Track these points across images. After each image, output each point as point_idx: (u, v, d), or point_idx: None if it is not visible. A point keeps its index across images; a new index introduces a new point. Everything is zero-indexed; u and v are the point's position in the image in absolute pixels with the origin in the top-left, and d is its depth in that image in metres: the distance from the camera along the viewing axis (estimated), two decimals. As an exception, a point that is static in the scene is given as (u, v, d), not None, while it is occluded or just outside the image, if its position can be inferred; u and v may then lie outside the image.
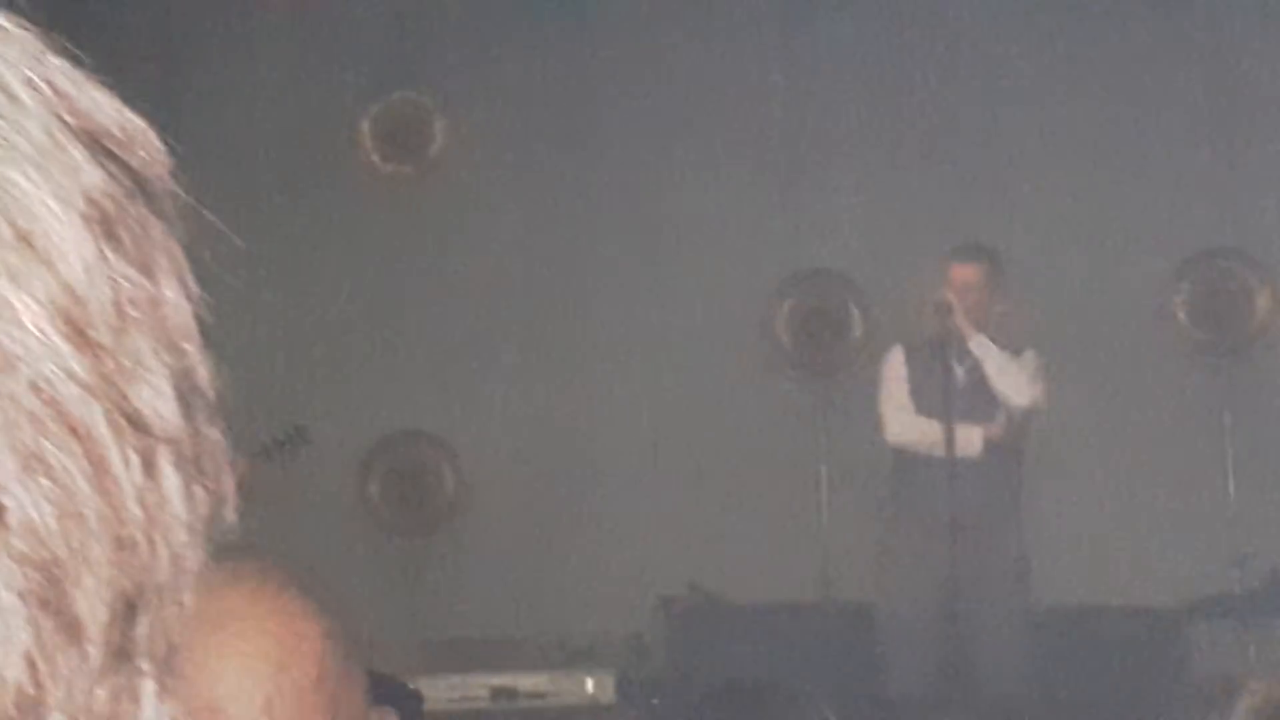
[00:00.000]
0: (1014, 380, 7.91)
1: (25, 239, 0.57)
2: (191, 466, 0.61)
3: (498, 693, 8.58)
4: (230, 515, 0.63)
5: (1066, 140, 9.71)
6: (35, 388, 0.57)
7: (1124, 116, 9.68)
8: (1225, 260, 9.79)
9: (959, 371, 7.93)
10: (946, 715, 7.69)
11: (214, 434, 0.62)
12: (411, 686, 4.33)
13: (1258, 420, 9.51)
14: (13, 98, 0.59)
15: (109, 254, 0.59)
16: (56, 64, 0.61)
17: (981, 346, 7.91)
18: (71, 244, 0.59)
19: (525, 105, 10.03)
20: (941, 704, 7.72)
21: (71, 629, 0.57)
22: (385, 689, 1.92)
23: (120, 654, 0.59)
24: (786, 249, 9.87)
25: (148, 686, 0.61)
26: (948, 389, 7.81)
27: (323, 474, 9.15)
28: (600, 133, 10.00)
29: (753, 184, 9.91)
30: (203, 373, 0.63)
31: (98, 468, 0.58)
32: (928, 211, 9.44)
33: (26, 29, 0.60)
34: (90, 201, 0.60)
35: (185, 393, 0.62)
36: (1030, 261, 8.64)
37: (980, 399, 7.91)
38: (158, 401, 0.60)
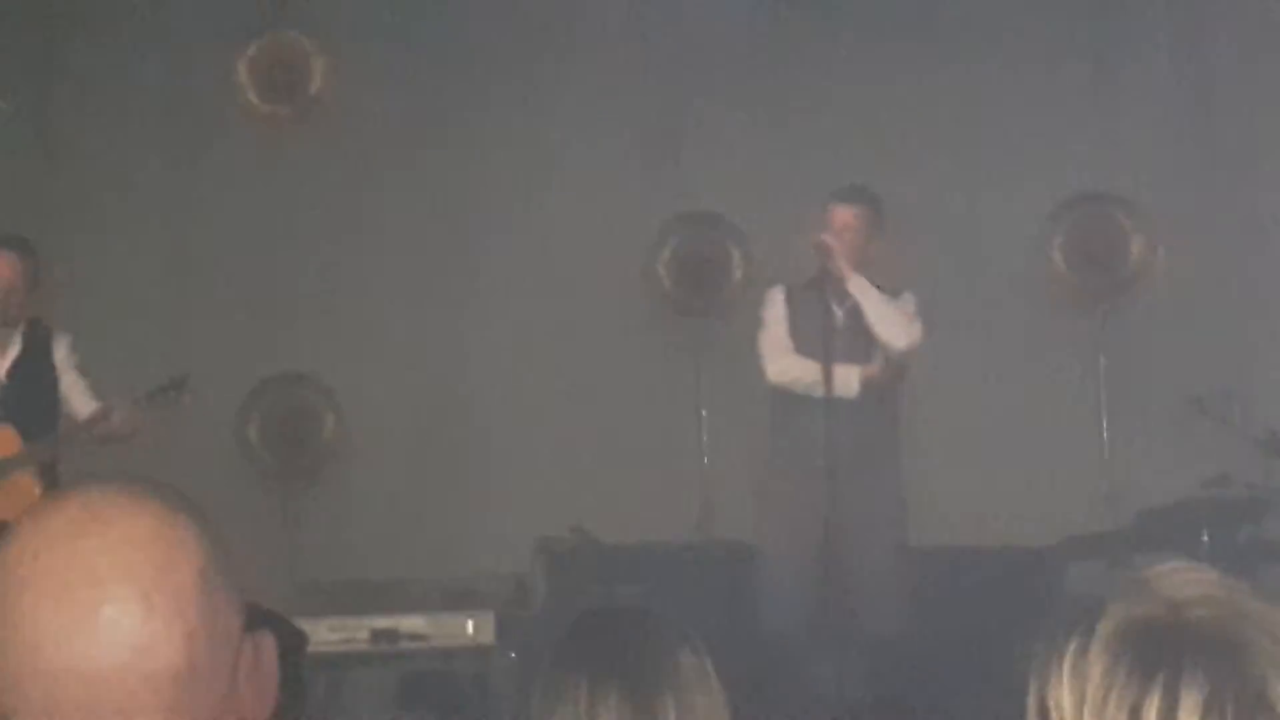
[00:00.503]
0: (892, 321, 7.96)
1: None
2: None
3: (378, 635, 8.58)
4: None
5: (945, 82, 9.77)
6: None
7: (1001, 59, 9.75)
8: (1101, 204, 9.88)
9: (838, 312, 7.97)
10: (824, 653, 7.76)
11: None
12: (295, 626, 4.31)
13: (1132, 363, 9.63)
14: None
15: None
16: None
17: (860, 288, 7.95)
18: None
19: (404, 44, 9.98)
20: (820, 642, 7.80)
21: None
22: (271, 625, 1.93)
23: None
24: (667, 192, 9.89)
25: None
26: (826, 330, 7.86)
27: (202, 417, 9.08)
28: (480, 74, 9.97)
29: (634, 127, 9.92)
30: None
31: None
32: (807, 154, 9.48)
33: None
34: None
35: None
36: (909, 204, 8.70)
37: (858, 340, 7.96)
38: None
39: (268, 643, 1.85)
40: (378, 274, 9.92)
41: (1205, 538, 8.20)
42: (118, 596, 1.69)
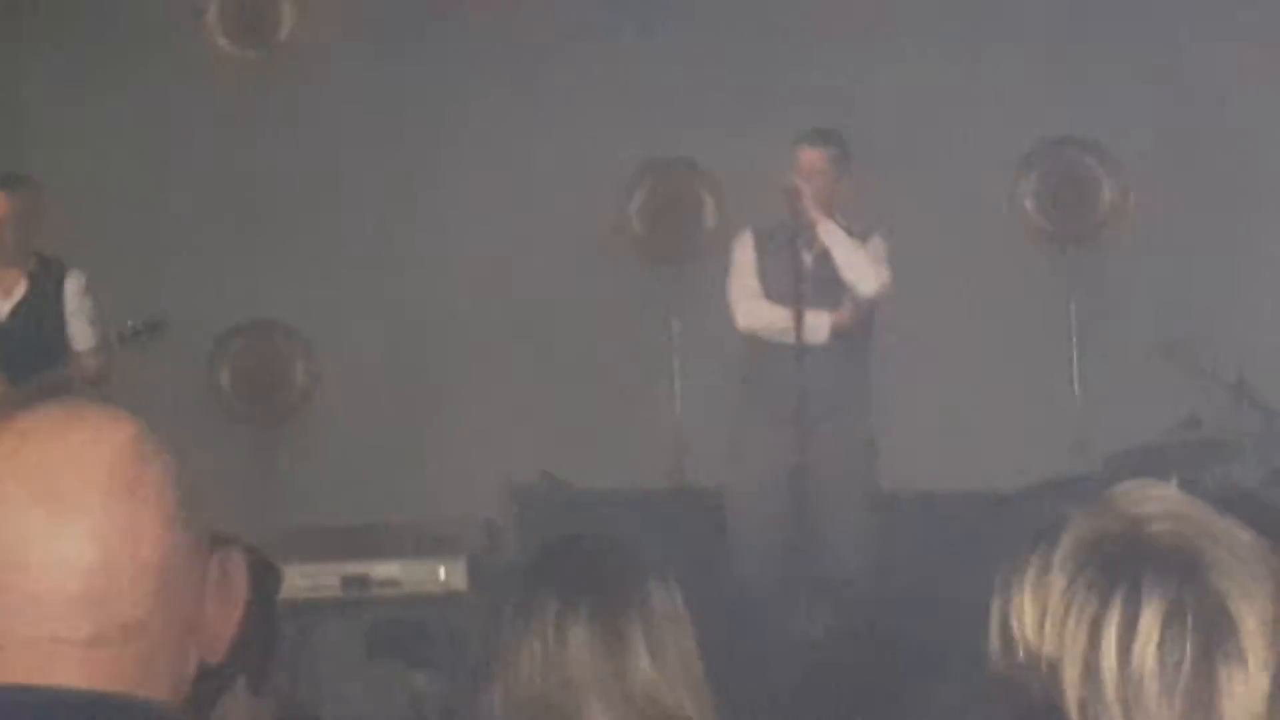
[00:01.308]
0: (861, 267, 7.97)
1: None
2: None
3: (349, 581, 8.58)
4: None
5: (914, 26, 9.76)
6: None
7: (974, 3, 9.74)
8: (1072, 149, 9.89)
9: (807, 257, 7.97)
10: (795, 597, 7.79)
11: None
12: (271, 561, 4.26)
13: (1102, 308, 9.65)
14: None
15: None
16: None
17: (829, 232, 7.95)
18: None
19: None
20: (790, 586, 7.82)
21: None
22: (248, 559, 1.93)
23: None
24: (638, 137, 9.87)
25: None
26: (796, 275, 7.86)
27: (173, 362, 9.08)
28: (453, 15, 9.94)
29: (605, 73, 9.90)
30: None
31: None
32: (779, 98, 9.46)
33: None
34: None
35: None
36: (878, 147, 8.69)
37: (828, 285, 7.96)
38: None
39: (236, 563, 1.85)
40: (348, 220, 9.90)
41: (1174, 481, 8.21)
42: (102, 484, 1.70)
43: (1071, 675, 1.76)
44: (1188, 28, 9.75)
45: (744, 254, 8.19)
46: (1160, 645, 1.74)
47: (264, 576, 3.67)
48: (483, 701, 2.87)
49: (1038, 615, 1.80)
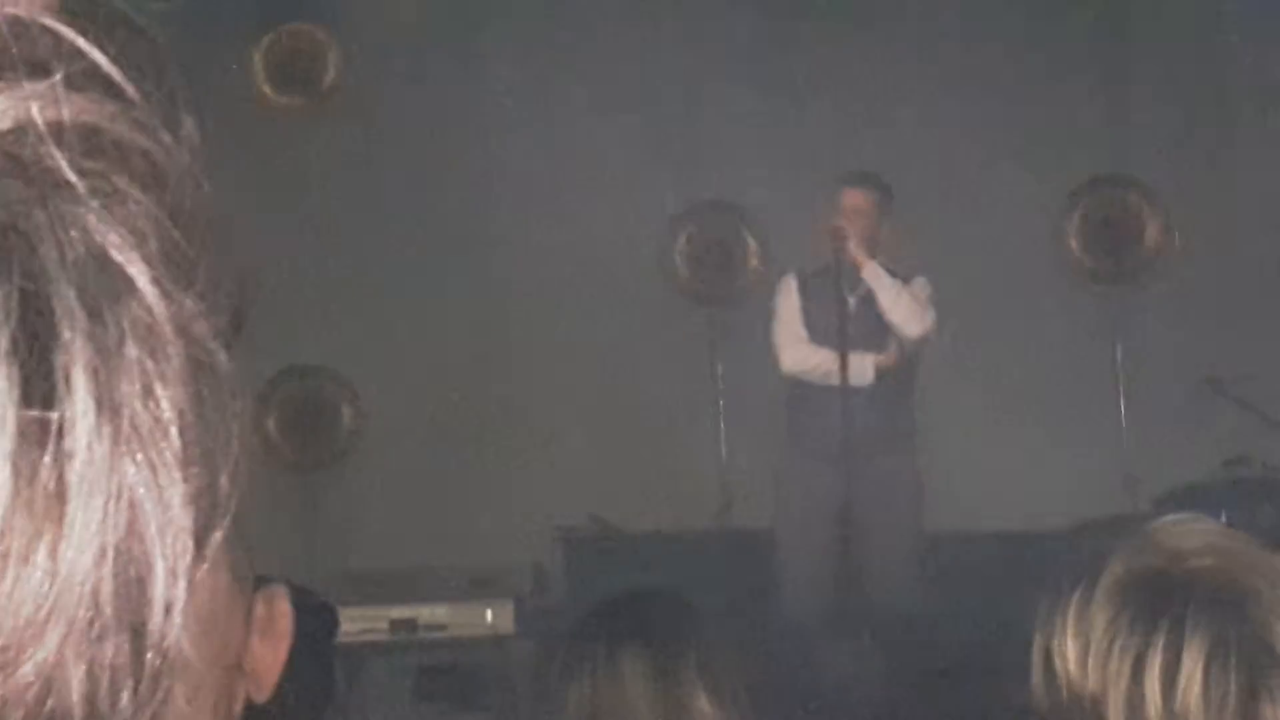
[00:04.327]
0: (905, 307, 7.96)
1: None
2: None
3: (397, 625, 8.59)
4: None
5: (958, 65, 9.75)
6: None
7: (1016, 40, 9.73)
8: (1117, 187, 9.87)
9: (851, 299, 7.97)
10: (842, 639, 7.76)
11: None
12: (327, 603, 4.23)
13: (1149, 345, 9.62)
14: None
15: None
16: None
17: (873, 274, 7.95)
18: None
19: (418, 35, 9.98)
20: (838, 628, 7.79)
21: None
22: (302, 602, 1.92)
23: None
24: (681, 181, 9.89)
25: None
26: (840, 317, 7.86)
27: (219, 409, 9.09)
28: (494, 64, 9.97)
29: (648, 116, 9.91)
30: None
31: None
32: (821, 140, 9.47)
33: None
34: None
35: None
36: (922, 188, 8.69)
37: (872, 327, 7.96)
38: None
39: (281, 599, 1.85)
40: (393, 265, 9.93)
41: (1224, 519, 8.17)
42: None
43: (1115, 712, 1.76)
44: (1232, 66, 9.73)
45: (788, 297, 8.19)
46: (1205, 681, 1.74)
47: (319, 620, 3.67)
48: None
49: (1080, 652, 1.80)
